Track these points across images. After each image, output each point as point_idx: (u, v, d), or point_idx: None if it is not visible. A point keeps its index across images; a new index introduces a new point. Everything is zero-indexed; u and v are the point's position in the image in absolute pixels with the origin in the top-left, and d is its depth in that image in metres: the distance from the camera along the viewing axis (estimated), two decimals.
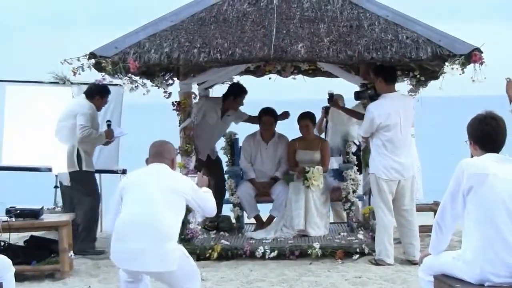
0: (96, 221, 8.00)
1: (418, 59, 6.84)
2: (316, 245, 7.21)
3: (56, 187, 9.26)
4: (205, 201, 5.05)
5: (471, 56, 6.56)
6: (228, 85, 8.65)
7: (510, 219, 4.07)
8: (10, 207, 6.78)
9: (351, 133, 8.36)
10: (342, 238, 7.57)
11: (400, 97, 7.13)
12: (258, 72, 8.55)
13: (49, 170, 9.18)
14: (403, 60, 6.86)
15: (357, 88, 7.59)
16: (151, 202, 4.76)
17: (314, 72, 8.59)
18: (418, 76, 7.50)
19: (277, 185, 8.12)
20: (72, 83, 8.70)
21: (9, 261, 4.97)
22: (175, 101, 7.57)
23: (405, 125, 6.95)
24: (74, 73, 6.93)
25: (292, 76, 8.67)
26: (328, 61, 7.00)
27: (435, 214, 4.73)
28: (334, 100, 8.02)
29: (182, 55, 6.90)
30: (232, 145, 8.54)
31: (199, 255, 7.14)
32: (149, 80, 7.49)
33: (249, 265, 6.99)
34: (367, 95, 7.21)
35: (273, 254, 7.19)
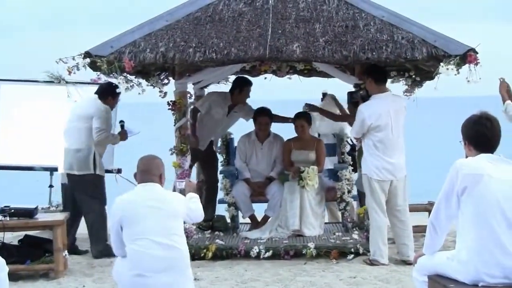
0: (106, 223, 7.88)
1: (414, 60, 6.85)
2: (311, 245, 7.22)
3: (51, 186, 9.26)
4: (195, 211, 5.15)
5: (466, 56, 6.57)
6: (233, 79, 8.62)
7: (504, 219, 4.08)
8: (5, 206, 6.77)
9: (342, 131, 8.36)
10: (337, 238, 7.58)
11: (391, 98, 7.13)
12: (253, 71, 8.56)
13: (46, 169, 9.19)
14: (399, 60, 6.87)
15: (352, 89, 7.60)
16: (164, 232, 4.81)
17: (310, 72, 8.61)
18: (413, 76, 7.52)
19: (272, 185, 8.12)
20: (67, 82, 8.69)
21: (3, 261, 4.96)
22: (171, 101, 7.57)
23: (396, 126, 6.95)
24: (69, 72, 6.90)
25: (288, 76, 8.68)
26: (323, 61, 7.01)
27: (429, 214, 4.74)
28: (312, 106, 8.16)
29: (177, 54, 6.90)
30: (228, 144, 8.54)
31: (194, 254, 7.12)
32: (144, 80, 7.50)
33: (244, 265, 6.99)
34: (359, 96, 7.23)
35: (268, 254, 7.19)
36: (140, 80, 7.32)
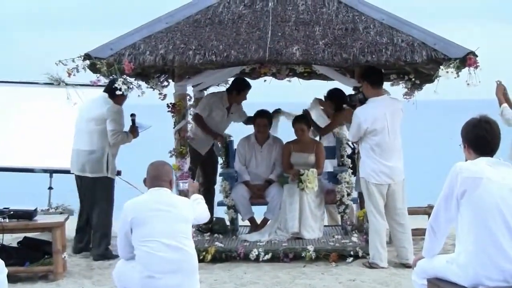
0: (110, 227, 7.87)
1: (413, 63, 6.85)
2: (310, 247, 7.21)
3: (50, 188, 9.27)
4: (200, 214, 5.27)
5: (466, 60, 6.57)
6: (232, 80, 8.63)
7: (503, 223, 4.07)
8: (4, 208, 6.77)
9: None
10: (336, 241, 7.57)
11: (388, 101, 7.13)
12: (253, 74, 8.57)
13: (45, 171, 9.19)
14: (398, 63, 6.87)
15: (352, 91, 7.60)
16: (173, 235, 4.88)
17: (310, 74, 8.62)
18: (413, 79, 7.52)
19: (271, 188, 8.12)
20: (67, 84, 8.68)
21: (2, 263, 4.95)
22: (170, 103, 7.57)
23: (393, 129, 6.95)
24: (69, 74, 6.91)
25: (287, 79, 8.68)
26: (323, 63, 7.00)
27: (429, 217, 4.74)
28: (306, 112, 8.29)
29: (177, 57, 6.90)
30: (227, 147, 8.53)
31: None
32: (144, 82, 7.49)
33: (243, 268, 6.99)
34: (356, 99, 7.24)
35: (267, 257, 7.18)
36: (140, 82, 7.31)
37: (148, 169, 5.12)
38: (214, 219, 8.17)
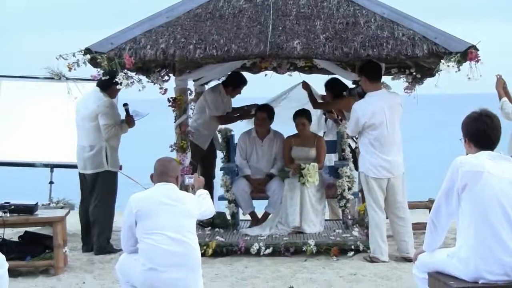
0: (112, 221, 7.86)
1: (414, 57, 6.84)
2: (311, 242, 7.22)
3: (51, 182, 9.27)
4: (206, 209, 5.30)
5: (467, 53, 6.56)
6: (229, 75, 8.64)
7: (504, 216, 4.08)
8: (5, 203, 6.77)
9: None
10: (337, 235, 7.57)
11: (386, 95, 7.12)
12: (254, 68, 8.56)
13: (46, 165, 9.19)
14: (399, 57, 6.86)
15: (353, 85, 7.60)
16: (178, 229, 4.90)
17: (310, 69, 8.60)
18: (414, 73, 7.50)
19: (272, 182, 8.12)
20: (67, 79, 8.68)
21: (3, 257, 4.96)
22: (171, 97, 7.56)
23: (391, 123, 6.94)
24: (70, 69, 6.90)
25: (288, 73, 8.67)
26: (324, 58, 6.99)
27: (430, 211, 4.74)
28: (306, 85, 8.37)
29: (178, 51, 6.89)
30: (228, 141, 8.53)
31: None
32: (144, 76, 7.48)
33: (244, 262, 6.99)
34: (355, 92, 7.24)
35: (268, 251, 7.19)
36: (141, 76, 7.30)
37: (155, 165, 5.15)
38: (215, 213, 8.16)
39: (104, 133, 7.51)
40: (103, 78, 7.19)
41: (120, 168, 8.07)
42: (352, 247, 7.19)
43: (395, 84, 7.85)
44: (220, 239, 7.46)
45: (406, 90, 7.76)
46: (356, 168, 7.97)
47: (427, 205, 8.01)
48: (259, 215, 8.25)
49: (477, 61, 6.55)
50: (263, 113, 8.27)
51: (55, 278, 6.66)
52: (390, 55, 6.81)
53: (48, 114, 9.15)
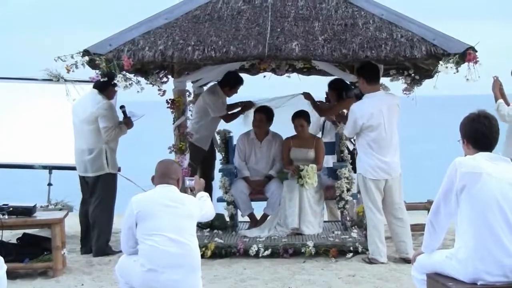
0: (111, 223, 7.83)
1: (413, 58, 6.85)
2: (310, 243, 7.22)
3: (49, 184, 9.25)
4: (206, 211, 5.33)
5: (465, 55, 6.57)
6: (225, 74, 8.64)
7: (503, 218, 4.07)
8: (3, 205, 6.76)
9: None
10: (336, 236, 7.57)
11: (384, 96, 7.12)
12: (252, 70, 8.55)
13: (45, 167, 9.17)
14: (398, 58, 6.87)
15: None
16: (178, 230, 4.91)
17: (309, 70, 8.59)
18: (412, 74, 7.51)
19: (271, 184, 8.12)
20: (66, 80, 8.66)
21: (1, 259, 4.94)
22: (170, 99, 7.57)
23: (389, 125, 6.95)
24: (68, 71, 6.89)
25: (287, 74, 8.67)
26: (322, 59, 7.00)
27: (428, 212, 4.74)
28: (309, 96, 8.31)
29: (176, 52, 6.89)
30: (227, 143, 8.53)
31: None
32: (143, 78, 7.48)
33: (243, 263, 6.99)
34: (353, 94, 7.24)
35: (266, 253, 7.19)
36: (139, 78, 7.30)
37: (157, 167, 5.17)
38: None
39: (105, 136, 7.50)
40: (101, 80, 7.18)
41: (119, 170, 8.07)
42: (351, 248, 7.19)
43: (394, 85, 7.86)
44: (219, 240, 7.46)
45: (404, 92, 7.76)
46: (354, 170, 7.97)
47: (426, 206, 7.99)
48: (258, 216, 8.25)
49: (476, 62, 6.55)
50: (262, 114, 8.27)
51: (53, 280, 6.65)
52: (389, 57, 6.82)
53: (46, 116, 9.14)
